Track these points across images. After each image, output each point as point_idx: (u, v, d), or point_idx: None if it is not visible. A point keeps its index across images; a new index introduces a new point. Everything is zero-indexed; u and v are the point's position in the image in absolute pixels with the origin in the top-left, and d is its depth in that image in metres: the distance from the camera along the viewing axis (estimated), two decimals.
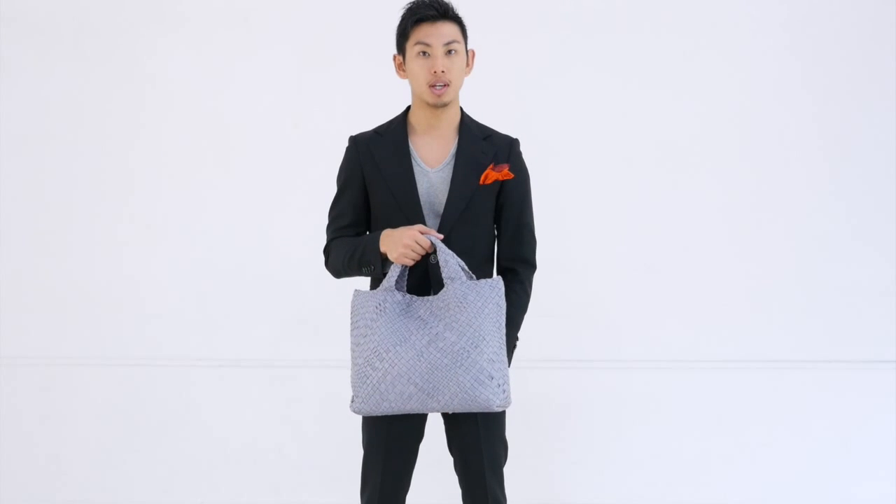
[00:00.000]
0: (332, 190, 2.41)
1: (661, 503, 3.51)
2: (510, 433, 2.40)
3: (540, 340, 3.20)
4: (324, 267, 2.41)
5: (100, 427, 3.59)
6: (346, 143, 2.40)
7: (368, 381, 2.17)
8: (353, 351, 2.22)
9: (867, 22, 3.54)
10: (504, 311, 2.20)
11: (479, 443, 2.31)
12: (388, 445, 2.31)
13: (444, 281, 2.20)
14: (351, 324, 2.24)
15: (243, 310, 3.57)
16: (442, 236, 2.23)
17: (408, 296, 2.23)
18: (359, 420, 2.39)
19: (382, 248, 2.23)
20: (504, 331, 2.20)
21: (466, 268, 2.23)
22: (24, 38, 3.61)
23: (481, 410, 2.17)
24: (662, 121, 3.54)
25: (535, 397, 3.43)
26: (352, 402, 2.22)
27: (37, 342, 3.61)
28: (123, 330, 3.59)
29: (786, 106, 3.55)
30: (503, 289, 2.21)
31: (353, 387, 2.21)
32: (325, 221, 2.42)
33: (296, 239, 3.46)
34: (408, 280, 2.26)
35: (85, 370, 3.59)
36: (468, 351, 2.14)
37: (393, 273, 2.23)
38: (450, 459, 2.39)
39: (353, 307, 2.25)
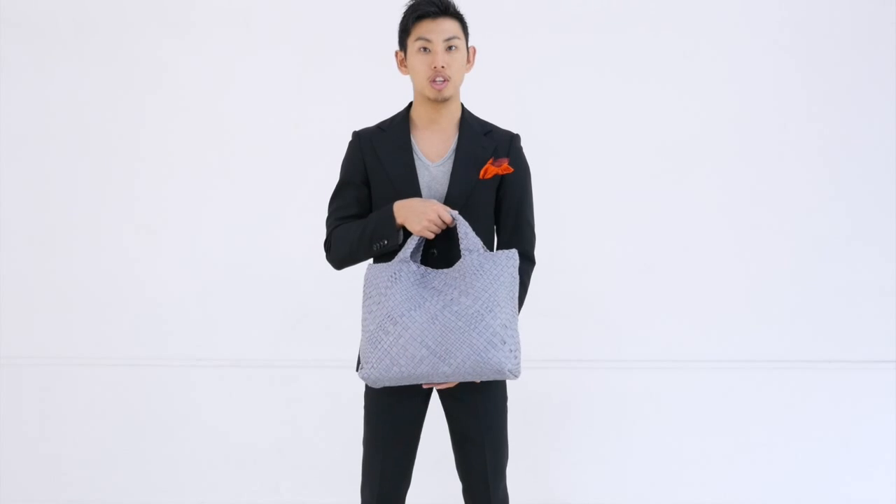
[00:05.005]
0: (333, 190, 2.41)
1: (660, 503, 3.51)
2: (510, 433, 2.41)
3: (540, 340, 3.23)
4: (325, 261, 2.39)
5: (100, 427, 3.60)
6: (347, 143, 2.41)
7: (380, 346, 2.16)
8: (364, 320, 2.21)
9: (866, 22, 3.54)
10: (518, 283, 2.21)
11: (482, 441, 2.31)
12: (387, 443, 2.32)
13: (462, 252, 2.21)
14: (363, 295, 2.23)
15: (243, 310, 3.58)
16: (457, 212, 2.24)
17: (422, 267, 2.24)
18: (359, 419, 2.39)
19: (399, 220, 2.23)
20: (517, 301, 2.20)
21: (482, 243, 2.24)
22: (26, 39, 3.61)
23: (493, 376, 2.14)
24: (662, 120, 3.54)
25: (535, 397, 3.43)
26: (360, 369, 2.19)
27: (38, 342, 3.61)
28: (124, 330, 3.60)
29: (785, 105, 3.55)
30: (518, 261, 2.23)
31: (363, 354, 2.19)
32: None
33: (296, 239, 3.46)
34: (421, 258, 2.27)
35: (86, 370, 3.59)
36: (482, 314, 2.13)
37: (409, 245, 2.23)
38: (451, 457, 2.39)
39: (366, 279, 2.24)
